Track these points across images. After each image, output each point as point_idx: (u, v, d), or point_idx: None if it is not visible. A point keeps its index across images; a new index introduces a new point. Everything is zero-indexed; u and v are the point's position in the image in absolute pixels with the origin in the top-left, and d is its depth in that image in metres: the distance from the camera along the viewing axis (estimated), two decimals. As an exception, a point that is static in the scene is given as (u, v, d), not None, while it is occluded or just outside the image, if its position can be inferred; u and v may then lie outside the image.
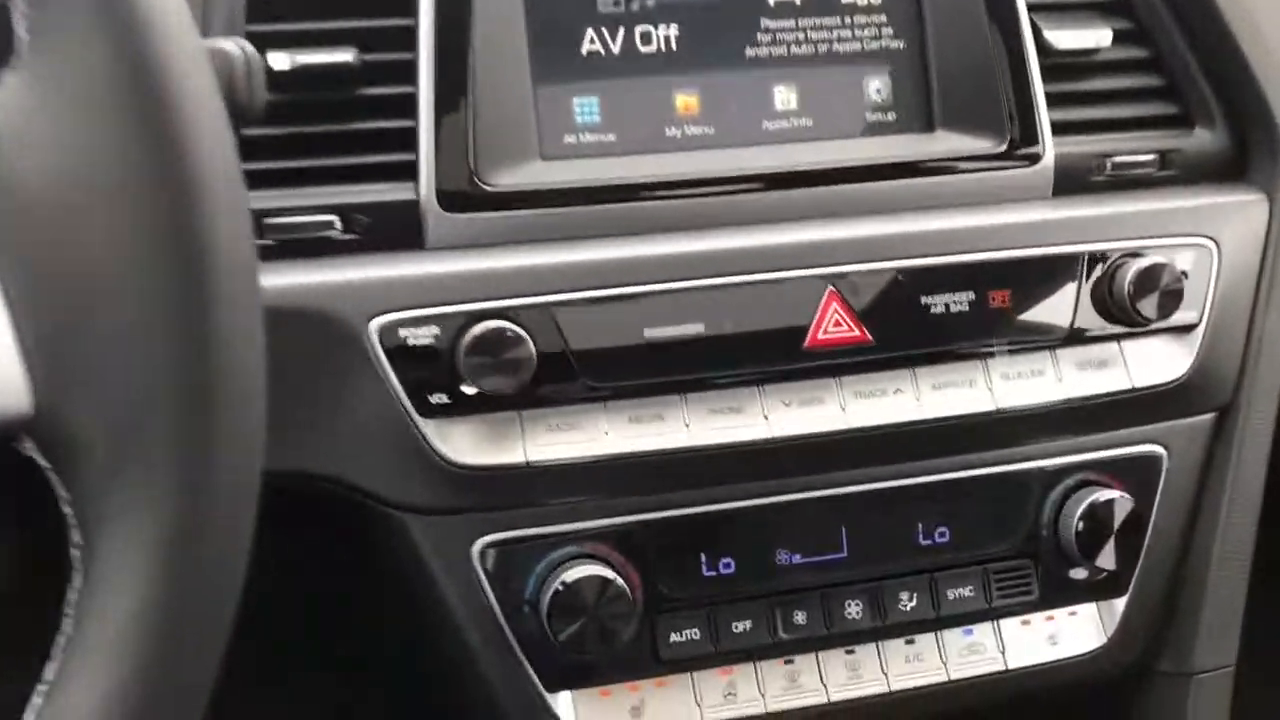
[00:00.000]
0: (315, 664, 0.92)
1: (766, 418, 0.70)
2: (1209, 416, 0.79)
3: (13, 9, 0.36)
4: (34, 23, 0.35)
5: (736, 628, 0.71)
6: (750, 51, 0.73)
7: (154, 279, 0.35)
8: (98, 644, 0.35)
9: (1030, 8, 0.76)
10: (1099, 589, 0.77)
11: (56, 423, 0.36)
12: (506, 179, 0.69)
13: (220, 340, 0.36)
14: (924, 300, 0.71)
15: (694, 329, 0.69)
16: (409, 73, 0.67)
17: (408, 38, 0.68)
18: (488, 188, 0.68)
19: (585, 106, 0.71)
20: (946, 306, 0.72)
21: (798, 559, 0.72)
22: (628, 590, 0.67)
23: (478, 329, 0.64)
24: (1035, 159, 0.75)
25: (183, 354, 0.36)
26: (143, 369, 0.36)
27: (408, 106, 0.67)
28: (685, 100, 0.73)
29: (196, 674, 0.37)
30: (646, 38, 0.72)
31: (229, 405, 0.37)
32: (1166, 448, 0.77)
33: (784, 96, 0.74)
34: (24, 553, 0.71)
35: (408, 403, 0.65)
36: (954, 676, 0.75)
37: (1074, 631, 0.77)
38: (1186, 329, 0.76)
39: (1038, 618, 0.76)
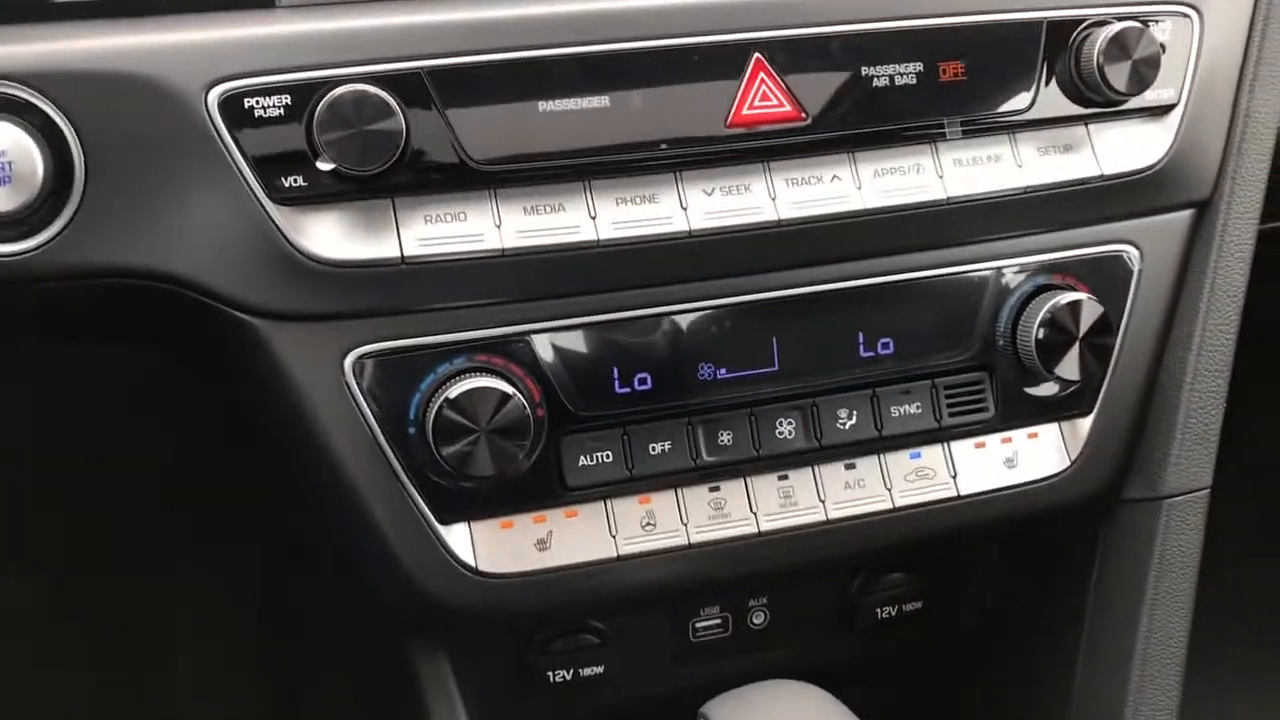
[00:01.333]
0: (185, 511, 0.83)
1: (685, 208, 0.60)
2: (1186, 212, 0.70)
3: None
4: None
5: (654, 449, 0.63)
6: None
7: None
8: None
9: None
10: (1062, 406, 0.68)
11: None
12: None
13: None
14: (865, 71, 0.62)
15: (598, 101, 0.59)
16: None
17: None
18: (350, -64, 0.57)
19: None
20: (890, 78, 0.62)
21: (723, 373, 0.63)
22: (526, 406, 0.58)
23: (335, 95, 0.54)
24: (995, -91, 0.65)
25: None
26: None
27: None
28: None
29: None
30: None
31: None
32: (1138, 246, 0.68)
33: None
34: None
35: (257, 186, 0.55)
36: (899, 504, 0.66)
37: (1034, 454, 0.69)
38: (1163, 110, 0.67)
39: (993, 439, 0.68)
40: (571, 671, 0.72)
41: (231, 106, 0.54)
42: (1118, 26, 0.63)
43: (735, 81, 0.60)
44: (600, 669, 0.73)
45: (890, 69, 0.62)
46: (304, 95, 0.55)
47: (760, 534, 0.65)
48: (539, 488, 0.62)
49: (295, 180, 0.55)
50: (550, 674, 0.72)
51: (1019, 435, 0.69)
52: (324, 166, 0.55)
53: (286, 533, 0.85)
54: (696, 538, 0.64)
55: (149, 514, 0.84)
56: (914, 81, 0.62)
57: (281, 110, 0.55)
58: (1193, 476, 0.73)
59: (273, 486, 0.74)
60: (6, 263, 0.54)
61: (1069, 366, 0.66)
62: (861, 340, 0.65)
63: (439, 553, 0.61)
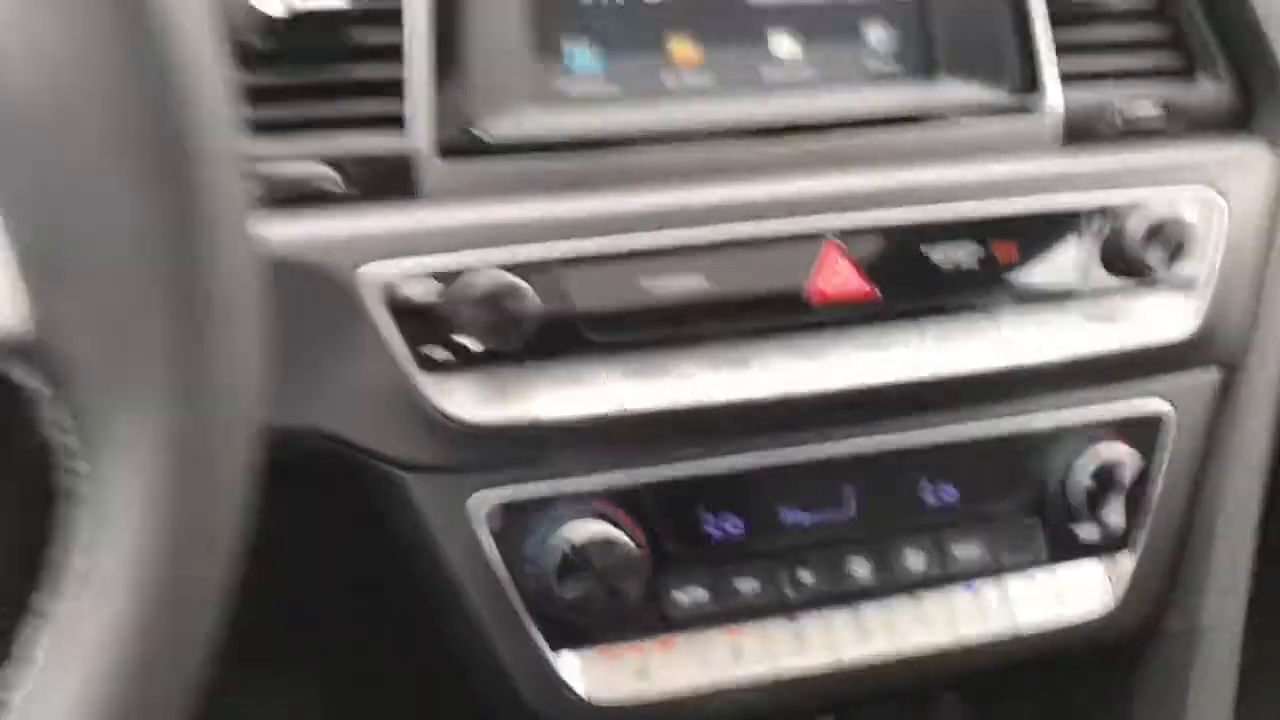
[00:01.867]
0: (315, 634, 0.90)
1: (769, 373, 0.68)
2: (1215, 374, 0.78)
3: None
4: None
5: (743, 587, 0.70)
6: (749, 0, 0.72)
7: (143, 189, 0.34)
8: (108, 569, 0.34)
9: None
10: (1107, 547, 0.76)
11: (55, 341, 0.34)
12: (503, 127, 0.67)
13: (211, 244, 0.35)
14: (928, 253, 0.70)
15: (693, 281, 0.67)
16: (403, 19, 0.66)
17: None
18: (484, 135, 0.66)
19: (582, 54, 0.70)
20: (951, 260, 0.70)
21: (804, 518, 0.71)
22: (635, 550, 0.66)
23: (477, 281, 0.63)
24: (1041, 109, 0.74)
25: (175, 261, 0.34)
26: (136, 279, 0.34)
27: (402, 53, 0.66)
28: (683, 48, 0.71)
29: (207, 593, 0.36)
30: (644, -17, 0.70)
31: (223, 309, 0.35)
32: (1173, 404, 0.76)
33: (783, 45, 0.72)
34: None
35: (406, 358, 0.63)
36: (961, 634, 0.73)
37: (1082, 590, 0.76)
38: (1193, 284, 0.75)
39: (1045, 576, 0.75)
40: None
41: (385, 289, 0.63)
42: (1154, 213, 0.72)
43: (810, 263, 0.68)
44: None
45: (950, 250, 0.70)
46: (449, 278, 0.63)
47: (839, 663, 0.72)
48: (640, 621, 0.69)
49: (440, 353, 0.63)
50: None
51: (1068, 572, 0.76)
52: (467, 344, 0.63)
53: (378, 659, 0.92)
54: (782, 666, 0.71)
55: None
56: (972, 262, 0.70)
57: (429, 293, 0.63)
58: (1227, 607, 0.80)
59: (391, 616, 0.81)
60: None
61: (1114, 513, 0.73)
62: (927, 489, 0.72)
63: (550, 678, 0.68)
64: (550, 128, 0.68)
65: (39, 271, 0.34)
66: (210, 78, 0.35)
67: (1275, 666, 0.88)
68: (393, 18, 0.65)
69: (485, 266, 0.63)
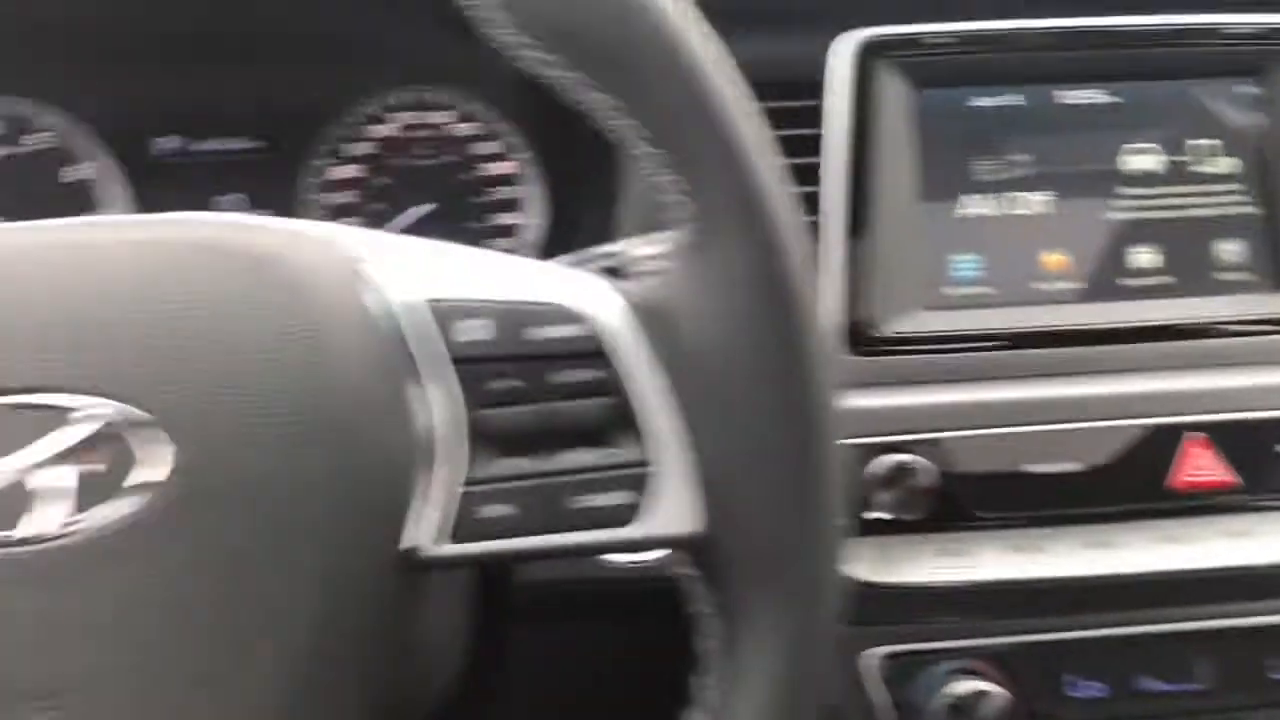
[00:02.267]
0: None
1: (1133, 553, 0.76)
2: None
3: (676, 205, 0.46)
4: (700, 221, 0.46)
5: None
6: (1111, 216, 0.81)
7: (791, 432, 0.45)
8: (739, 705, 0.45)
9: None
10: None
11: (717, 541, 0.45)
12: (897, 325, 0.78)
13: (829, 481, 0.46)
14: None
15: (1068, 466, 0.76)
16: (817, 234, 0.78)
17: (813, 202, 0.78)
18: (883, 332, 0.77)
19: (965, 263, 0.80)
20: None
21: (1160, 686, 0.77)
22: (1009, 704, 0.74)
23: (884, 459, 0.73)
24: (1387, 316, 0.80)
25: (812, 492, 0.45)
26: (782, 502, 0.45)
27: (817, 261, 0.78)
28: (1053, 258, 0.81)
29: None
30: (1020, 202, 0.81)
31: (835, 530, 0.46)
32: None
33: (1142, 256, 0.81)
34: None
35: None
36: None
37: None
38: None
39: None
40: None
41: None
42: None
43: (1171, 454, 0.76)
44: None
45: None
46: (860, 457, 0.74)
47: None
48: (1007, 768, 0.77)
49: (852, 522, 0.74)
50: None
51: None
52: (873, 516, 0.73)
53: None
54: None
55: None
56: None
57: (846, 469, 0.73)
58: None
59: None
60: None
61: None
62: (1272, 668, 0.78)
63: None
64: (937, 327, 0.78)
65: (710, 489, 0.45)
66: (823, 339, 0.47)
67: None
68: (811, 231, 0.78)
69: (891, 448, 0.74)
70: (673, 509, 0.45)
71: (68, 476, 0.39)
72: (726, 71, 0.46)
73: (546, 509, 0.44)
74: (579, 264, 0.63)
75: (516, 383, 0.44)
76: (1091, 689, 0.77)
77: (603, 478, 0.44)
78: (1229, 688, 0.78)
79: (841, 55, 0.79)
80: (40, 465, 0.39)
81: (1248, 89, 0.83)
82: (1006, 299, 0.80)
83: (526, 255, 0.93)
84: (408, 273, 0.45)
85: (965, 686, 0.74)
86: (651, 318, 0.45)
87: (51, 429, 0.39)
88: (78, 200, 0.87)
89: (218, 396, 0.40)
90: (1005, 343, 0.78)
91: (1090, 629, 0.77)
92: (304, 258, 0.44)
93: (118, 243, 0.42)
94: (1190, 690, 0.77)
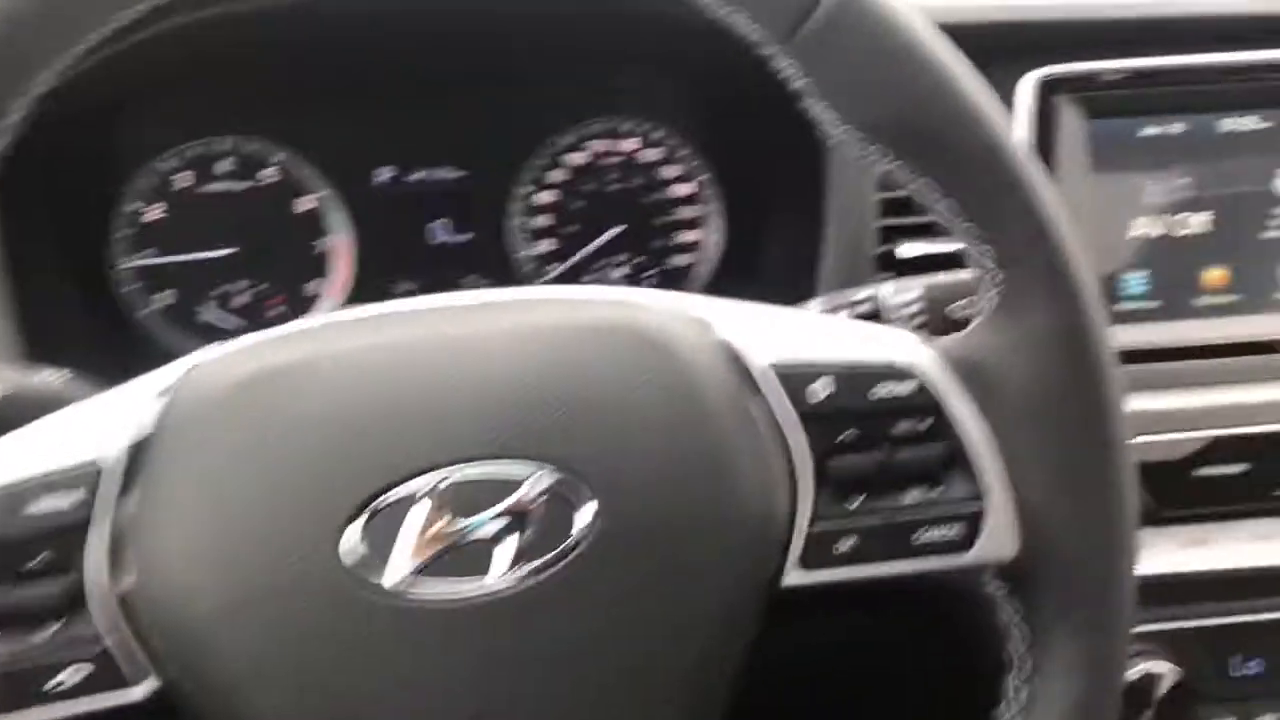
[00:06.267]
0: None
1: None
2: None
3: (987, 271, 0.54)
4: (1009, 286, 0.53)
5: (1262, 714, 0.85)
6: (1266, 234, 0.88)
7: (1097, 469, 0.53)
8: None
9: None
10: None
11: (1029, 565, 0.53)
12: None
13: (1129, 513, 0.54)
14: None
15: (1236, 469, 0.84)
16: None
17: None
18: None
19: (1136, 280, 0.88)
20: None
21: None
22: (1179, 686, 0.83)
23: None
24: None
25: (1116, 522, 0.53)
26: (1090, 531, 0.53)
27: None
28: (1214, 274, 0.88)
29: None
30: (1184, 223, 0.88)
31: (1133, 559, 0.54)
32: None
33: (1294, 268, 0.89)
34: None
35: None
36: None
37: None
38: None
39: None
40: None
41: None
42: None
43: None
44: None
45: None
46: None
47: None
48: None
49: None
50: None
51: None
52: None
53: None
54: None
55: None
56: None
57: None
58: None
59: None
60: None
61: None
62: None
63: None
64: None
65: (1032, 519, 0.53)
66: (1120, 386, 0.54)
67: None
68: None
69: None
70: (997, 537, 0.53)
71: (521, 532, 0.47)
72: (1028, 153, 0.53)
73: (891, 541, 0.52)
74: (834, 308, 0.70)
75: (859, 434, 0.52)
76: (1250, 667, 0.85)
77: (940, 513, 0.52)
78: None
79: (1025, 90, 0.85)
80: (500, 521, 0.47)
81: (1390, 113, 0.90)
82: (1171, 313, 0.87)
83: (707, 269, 1.01)
84: (757, 338, 0.53)
85: (1140, 668, 0.82)
86: (968, 372, 0.53)
87: (507, 494, 0.47)
88: (308, 227, 0.95)
89: (629, 458, 0.48)
90: (1169, 355, 0.86)
91: (1250, 614, 0.85)
92: (677, 331, 0.51)
93: (535, 329, 0.50)
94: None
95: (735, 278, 0.99)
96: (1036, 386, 0.53)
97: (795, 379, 0.52)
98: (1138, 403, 0.84)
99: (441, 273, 0.97)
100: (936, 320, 0.68)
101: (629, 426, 0.49)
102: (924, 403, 0.53)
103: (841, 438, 0.52)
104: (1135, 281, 0.88)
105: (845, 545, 0.52)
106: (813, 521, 0.52)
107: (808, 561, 0.52)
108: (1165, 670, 0.82)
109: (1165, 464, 0.83)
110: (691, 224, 1.01)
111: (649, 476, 0.49)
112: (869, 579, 0.52)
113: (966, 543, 0.52)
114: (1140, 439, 0.82)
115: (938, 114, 0.52)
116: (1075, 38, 0.89)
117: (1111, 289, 0.87)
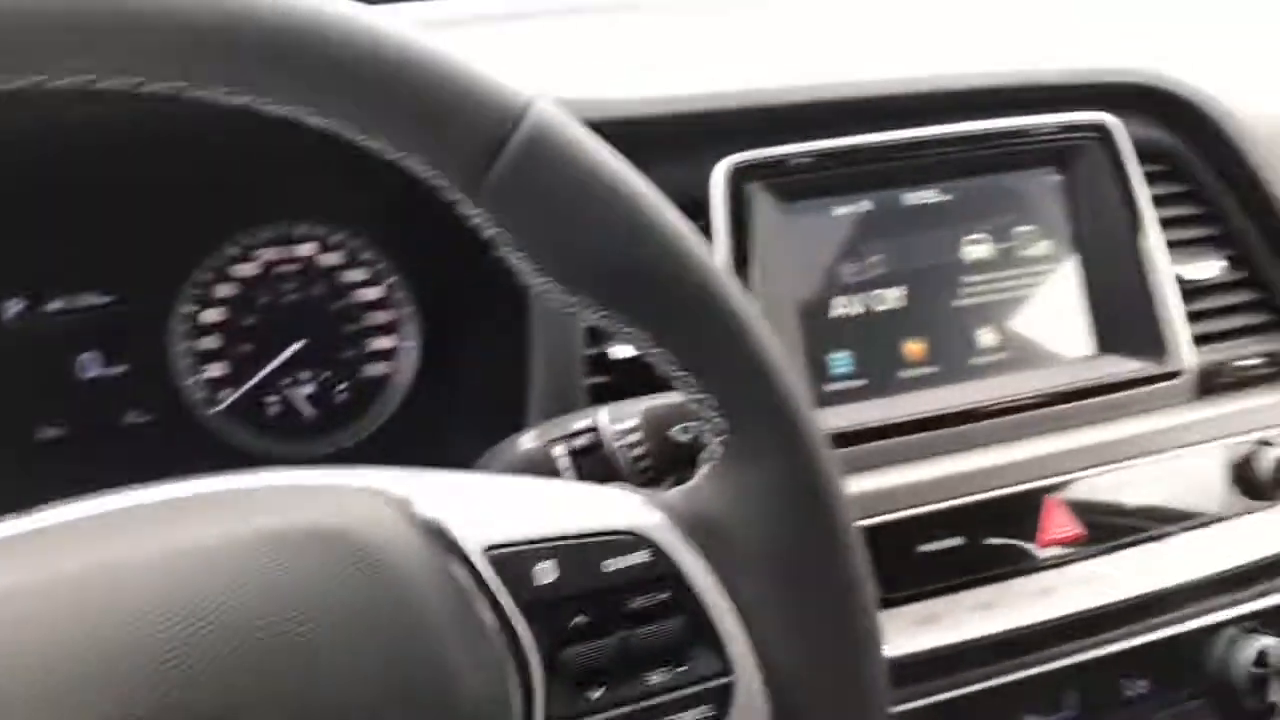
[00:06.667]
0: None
1: (1013, 610, 0.85)
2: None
3: (711, 421, 0.49)
4: (735, 435, 0.49)
5: None
6: (957, 303, 0.90)
7: (842, 626, 0.49)
8: None
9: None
10: (1263, 715, 0.94)
11: None
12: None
13: (878, 644, 0.51)
14: (1114, 496, 0.88)
15: (954, 541, 0.84)
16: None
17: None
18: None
19: (841, 360, 0.87)
20: (1131, 499, 0.89)
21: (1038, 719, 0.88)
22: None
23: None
24: (1182, 372, 0.93)
25: (861, 658, 0.50)
26: (838, 675, 0.49)
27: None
28: (913, 347, 0.89)
29: None
30: (881, 299, 0.88)
31: (884, 695, 0.51)
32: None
33: (986, 338, 0.91)
34: None
35: None
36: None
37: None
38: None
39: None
40: None
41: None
42: (1275, 447, 0.91)
43: (1037, 516, 0.86)
44: None
45: (1137, 493, 0.89)
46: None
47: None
48: None
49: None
50: None
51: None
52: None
53: None
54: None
55: None
56: (1153, 499, 0.89)
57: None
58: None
59: None
60: None
61: (1274, 692, 0.91)
62: (1128, 685, 0.90)
63: None
64: (825, 424, 0.84)
65: (782, 688, 0.49)
66: (855, 533, 0.51)
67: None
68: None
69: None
70: (748, 709, 0.48)
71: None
72: (742, 292, 0.49)
73: None
74: (549, 441, 0.64)
75: (592, 619, 0.46)
76: (984, 729, 0.86)
77: (688, 695, 0.47)
78: (1095, 708, 0.89)
79: (718, 180, 0.83)
80: None
81: (1053, 177, 0.94)
82: (877, 390, 0.88)
83: (405, 378, 0.93)
84: (467, 515, 0.46)
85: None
86: (700, 529, 0.49)
87: None
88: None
89: (315, 687, 0.40)
90: (882, 434, 0.86)
91: (978, 683, 0.86)
92: (364, 518, 0.44)
93: (197, 549, 0.41)
94: (1066, 717, 0.88)
95: (436, 387, 0.92)
96: (771, 540, 0.49)
97: (515, 563, 0.46)
98: (855, 484, 0.84)
99: (95, 412, 0.85)
100: (657, 447, 0.63)
101: (325, 655, 0.41)
102: (660, 573, 0.48)
103: (574, 623, 0.46)
104: (840, 361, 0.87)
105: None
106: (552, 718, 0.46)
107: None
108: (919, 750, 0.82)
109: (889, 544, 0.82)
110: (384, 329, 0.93)
111: (359, 706, 0.41)
112: None
113: None
114: (862, 522, 0.82)
115: (640, 259, 0.47)
116: (763, 121, 0.88)
117: (819, 370, 0.86)
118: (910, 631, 0.83)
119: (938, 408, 0.88)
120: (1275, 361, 0.97)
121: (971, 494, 0.85)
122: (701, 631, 0.48)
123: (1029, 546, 0.86)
